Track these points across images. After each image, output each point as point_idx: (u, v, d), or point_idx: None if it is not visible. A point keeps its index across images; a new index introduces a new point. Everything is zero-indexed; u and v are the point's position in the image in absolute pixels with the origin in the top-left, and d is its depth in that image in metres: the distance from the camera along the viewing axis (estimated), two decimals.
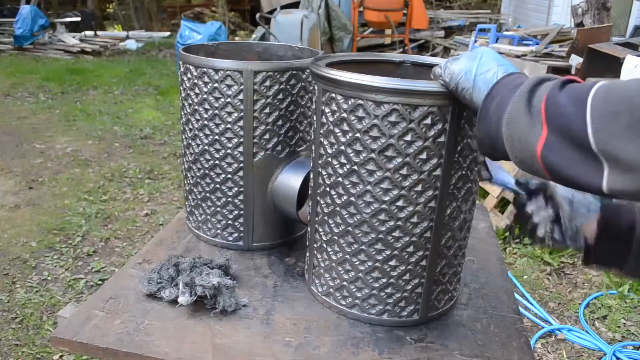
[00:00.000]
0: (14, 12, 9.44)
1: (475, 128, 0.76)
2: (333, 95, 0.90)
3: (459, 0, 12.00)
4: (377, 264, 0.95)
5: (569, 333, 2.35)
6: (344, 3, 7.97)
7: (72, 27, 10.51)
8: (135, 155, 4.46)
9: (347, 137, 0.90)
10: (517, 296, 2.35)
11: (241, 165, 1.16)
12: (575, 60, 4.27)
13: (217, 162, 1.17)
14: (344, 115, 0.89)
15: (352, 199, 0.93)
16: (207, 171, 1.19)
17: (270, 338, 0.95)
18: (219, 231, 1.24)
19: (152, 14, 13.61)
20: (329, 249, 1.00)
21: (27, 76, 7.13)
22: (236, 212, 1.21)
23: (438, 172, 0.88)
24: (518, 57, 4.87)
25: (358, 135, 0.88)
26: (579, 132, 0.57)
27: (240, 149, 1.15)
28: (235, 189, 1.19)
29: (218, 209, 1.22)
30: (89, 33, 10.43)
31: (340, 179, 0.93)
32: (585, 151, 0.57)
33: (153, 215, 3.38)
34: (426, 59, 1.13)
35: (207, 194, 1.22)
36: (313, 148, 1.00)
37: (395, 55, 1.16)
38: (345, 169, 0.92)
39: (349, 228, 0.95)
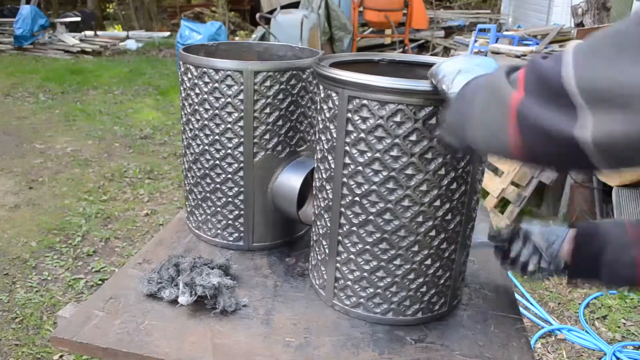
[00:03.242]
0: (14, 12, 9.44)
1: (447, 113, 0.77)
2: (365, 102, 0.87)
3: (459, 0, 12.00)
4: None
5: (569, 333, 2.35)
6: (344, 3, 7.96)
7: (72, 27, 10.50)
8: (135, 155, 4.46)
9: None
10: (517, 296, 2.35)
11: (241, 165, 1.16)
12: None
13: (217, 162, 1.17)
14: (380, 121, 0.87)
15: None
16: (207, 171, 1.19)
17: (270, 338, 0.95)
18: (219, 231, 1.24)
19: (152, 14, 13.60)
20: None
21: (27, 76, 7.13)
22: (236, 212, 1.21)
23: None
24: (518, 57, 4.87)
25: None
26: (557, 79, 0.54)
27: (241, 149, 1.15)
28: (236, 189, 1.19)
29: (218, 209, 1.22)
30: (89, 33, 10.42)
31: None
32: (564, 99, 0.54)
33: (153, 215, 3.38)
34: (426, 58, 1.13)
35: (208, 194, 1.22)
36: (315, 146, 1.00)
37: (395, 55, 1.16)
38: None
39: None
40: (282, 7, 7.65)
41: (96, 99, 6.23)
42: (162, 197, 3.67)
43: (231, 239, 1.24)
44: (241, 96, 1.10)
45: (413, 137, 0.86)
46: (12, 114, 5.49)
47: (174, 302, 1.00)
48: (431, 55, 7.67)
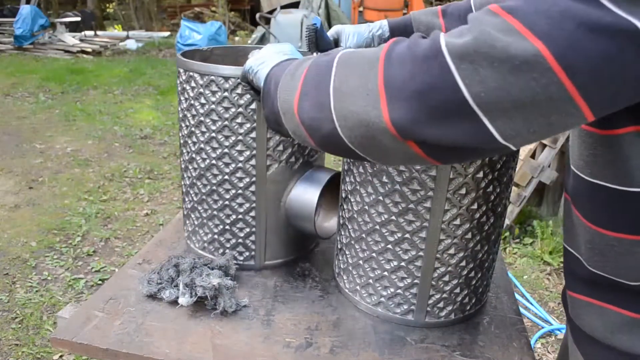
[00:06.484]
0: (14, 12, 9.46)
1: (263, 109, 0.81)
2: None
3: (457, 0, 11.99)
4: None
5: None
6: (344, 3, 7.97)
7: (72, 27, 10.51)
8: (135, 155, 4.46)
9: None
10: (517, 296, 2.35)
11: (253, 179, 1.09)
12: None
13: (226, 177, 1.09)
14: None
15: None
16: (214, 187, 1.11)
17: (270, 339, 0.95)
18: (227, 250, 1.17)
19: (152, 14, 13.60)
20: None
21: (27, 76, 7.13)
22: (247, 229, 1.14)
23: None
24: None
25: None
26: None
27: (253, 161, 1.07)
28: (247, 204, 1.11)
29: (227, 227, 1.14)
30: (89, 33, 10.43)
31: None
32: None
33: (153, 215, 3.38)
34: None
35: (215, 212, 1.13)
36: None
37: None
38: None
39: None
40: (282, 7, 7.66)
41: (96, 99, 6.23)
42: (162, 197, 3.67)
43: (241, 258, 1.17)
44: (253, 105, 1.03)
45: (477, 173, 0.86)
46: (12, 114, 5.50)
47: (174, 302, 1.00)
48: None
